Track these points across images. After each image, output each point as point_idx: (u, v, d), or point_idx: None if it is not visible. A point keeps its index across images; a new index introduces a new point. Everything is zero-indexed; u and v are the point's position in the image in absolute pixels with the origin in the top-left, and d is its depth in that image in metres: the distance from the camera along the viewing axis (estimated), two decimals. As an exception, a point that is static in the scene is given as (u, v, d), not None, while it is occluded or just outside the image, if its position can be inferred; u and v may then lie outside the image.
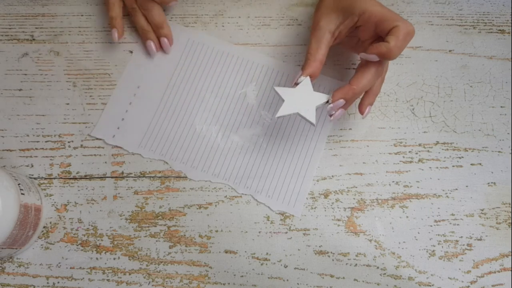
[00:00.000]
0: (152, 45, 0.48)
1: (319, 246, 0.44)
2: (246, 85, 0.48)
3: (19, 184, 0.40)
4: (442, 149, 0.46)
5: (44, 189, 0.45)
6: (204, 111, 0.47)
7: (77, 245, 0.44)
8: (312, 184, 0.45)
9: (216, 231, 0.44)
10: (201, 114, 0.47)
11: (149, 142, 0.46)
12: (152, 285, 0.43)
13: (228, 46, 0.49)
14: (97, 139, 0.46)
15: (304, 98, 0.40)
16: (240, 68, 0.48)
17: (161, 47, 0.48)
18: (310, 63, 0.40)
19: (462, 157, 0.46)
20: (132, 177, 0.45)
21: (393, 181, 0.45)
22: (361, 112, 0.42)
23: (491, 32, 0.50)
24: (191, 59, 0.49)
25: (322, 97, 0.40)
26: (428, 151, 0.46)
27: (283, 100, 0.40)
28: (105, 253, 0.43)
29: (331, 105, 0.39)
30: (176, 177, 0.45)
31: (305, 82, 0.40)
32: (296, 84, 0.40)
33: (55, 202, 0.45)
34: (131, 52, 0.49)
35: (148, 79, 0.48)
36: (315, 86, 0.44)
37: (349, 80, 0.40)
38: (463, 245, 0.43)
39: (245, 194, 0.45)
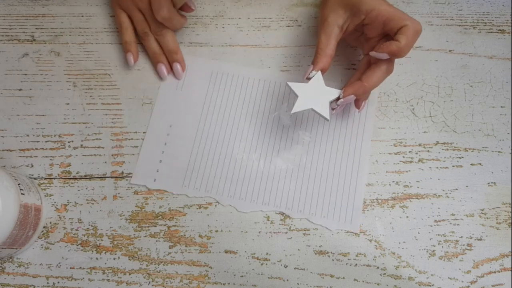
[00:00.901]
0: (163, 68, 0.47)
1: (319, 246, 0.43)
2: (278, 107, 0.47)
3: (19, 184, 0.40)
4: (442, 149, 0.46)
5: (44, 189, 0.45)
6: (241, 140, 0.46)
7: (77, 245, 0.44)
8: (364, 195, 0.45)
9: (216, 231, 0.44)
10: (238, 143, 0.46)
11: (192, 181, 0.45)
12: (152, 285, 0.43)
13: (253, 71, 0.48)
14: (97, 139, 0.47)
15: (317, 94, 0.41)
16: (269, 91, 0.48)
17: (173, 73, 0.48)
18: (321, 58, 0.41)
19: (462, 157, 0.46)
20: (132, 177, 0.45)
21: (393, 181, 0.45)
22: (357, 107, 0.43)
23: (491, 32, 0.50)
24: (218, 90, 0.48)
25: (334, 92, 0.41)
26: (428, 151, 0.46)
27: (296, 96, 0.40)
28: (105, 253, 0.43)
29: (342, 100, 0.40)
30: (176, 177, 0.45)
31: (317, 77, 0.41)
32: (308, 78, 0.41)
33: (55, 202, 0.45)
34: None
35: (179, 116, 0.47)
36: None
37: (361, 77, 0.40)
38: (463, 245, 0.43)
39: (300, 219, 0.44)
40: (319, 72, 0.41)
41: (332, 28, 0.41)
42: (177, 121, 0.47)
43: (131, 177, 0.45)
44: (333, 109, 0.42)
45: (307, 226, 0.44)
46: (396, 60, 0.48)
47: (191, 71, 0.49)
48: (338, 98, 0.41)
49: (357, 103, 0.43)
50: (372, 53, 0.40)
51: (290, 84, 0.41)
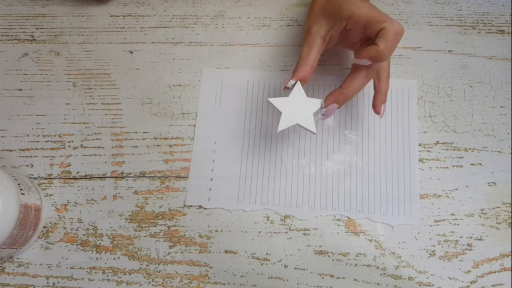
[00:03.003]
0: None
1: (319, 246, 0.43)
2: (319, 109, 0.47)
3: (19, 184, 0.40)
4: (442, 149, 0.46)
5: (44, 189, 0.45)
6: (288, 147, 0.46)
7: (77, 245, 0.44)
8: (419, 186, 0.45)
9: (216, 231, 0.44)
10: (286, 151, 0.46)
11: (246, 195, 0.45)
12: (152, 285, 0.43)
13: (287, 76, 0.47)
14: (97, 139, 0.46)
15: (299, 107, 0.39)
16: (307, 94, 0.46)
17: None
18: (300, 67, 0.40)
19: (462, 157, 0.46)
20: (132, 177, 0.45)
21: (393, 181, 0.45)
22: (377, 112, 0.41)
23: (491, 33, 0.50)
24: (256, 100, 0.47)
25: (316, 103, 0.40)
26: (428, 151, 0.46)
27: (280, 112, 0.39)
28: (105, 253, 0.43)
29: (325, 109, 0.39)
30: (176, 177, 0.45)
31: (297, 88, 0.39)
32: (286, 88, 0.40)
33: (55, 202, 0.45)
34: (131, 52, 0.49)
35: (222, 132, 0.46)
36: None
37: (341, 84, 0.40)
38: (463, 245, 0.43)
39: (359, 218, 0.44)
40: (299, 83, 0.40)
41: (314, 38, 0.40)
42: (221, 137, 0.46)
43: (131, 177, 0.45)
44: (322, 115, 0.40)
45: (307, 226, 0.44)
46: (396, 61, 0.49)
47: (226, 85, 0.48)
48: (321, 108, 0.40)
49: (375, 108, 0.41)
50: (354, 60, 0.39)
51: (271, 100, 0.39)
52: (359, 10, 0.38)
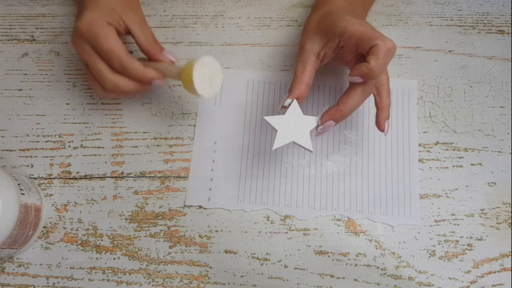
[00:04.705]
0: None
1: (319, 246, 0.43)
2: (320, 109, 0.46)
3: (19, 184, 0.40)
4: (442, 149, 0.46)
5: (44, 189, 0.45)
6: (288, 147, 0.46)
7: (77, 245, 0.44)
8: (419, 186, 0.45)
9: (216, 231, 0.44)
10: (286, 151, 0.46)
11: (246, 195, 0.45)
12: (152, 285, 0.43)
13: (289, 76, 0.47)
14: (97, 139, 0.47)
15: (296, 125, 0.39)
16: (308, 95, 0.46)
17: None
18: (296, 86, 0.39)
19: (462, 157, 0.46)
20: (132, 177, 0.45)
21: (393, 181, 0.45)
22: (381, 129, 0.40)
23: (491, 33, 0.50)
24: (257, 100, 0.47)
25: (312, 121, 0.39)
26: (428, 151, 0.46)
27: (275, 130, 0.38)
28: (105, 253, 0.43)
29: (321, 127, 0.39)
30: (176, 177, 0.45)
31: (294, 106, 0.39)
32: (283, 107, 0.39)
33: (55, 202, 0.45)
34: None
35: (222, 132, 0.46)
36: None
37: (337, 101, 0.39)
38: (463, 245, 0.43)
39: (359, 218, 0.44)
40: (295, 101, 0.39)
41: (308, 56, 0.40)
42: (221, 137, 0.46)
43: (131, 177, 0.45)
44: (316, 135, 0.40)
45: (307, 226, 0.44)
46: (396, 61, 0.49)
47: (226, 84, 0.48)
48: (318, 126, 0.39)
49: (379, 126, 0.40)
50: (348, 78, 0.38)
51: (266, 118, 0.39)
52: (351, 27, 0.37)
